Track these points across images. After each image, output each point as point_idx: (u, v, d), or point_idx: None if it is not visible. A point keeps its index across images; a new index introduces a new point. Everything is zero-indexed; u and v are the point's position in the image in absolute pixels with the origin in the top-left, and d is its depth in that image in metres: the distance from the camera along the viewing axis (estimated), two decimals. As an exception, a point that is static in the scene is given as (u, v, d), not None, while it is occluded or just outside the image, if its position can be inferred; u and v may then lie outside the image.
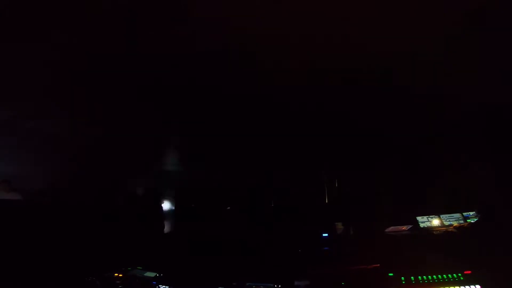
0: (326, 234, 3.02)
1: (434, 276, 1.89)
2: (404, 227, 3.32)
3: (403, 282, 1.88)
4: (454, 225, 3.39)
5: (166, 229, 2.93)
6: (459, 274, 1.89)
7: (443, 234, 3.16)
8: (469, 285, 1.86)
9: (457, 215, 3.50)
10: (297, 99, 3.17)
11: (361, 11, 1.91)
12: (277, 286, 1.93)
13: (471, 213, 3.45)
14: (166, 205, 4.00)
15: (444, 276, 1.89)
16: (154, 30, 2.10)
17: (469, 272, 1.90)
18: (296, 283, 1.94)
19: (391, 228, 3.24)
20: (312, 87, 2.92)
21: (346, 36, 2.14)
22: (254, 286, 1.94)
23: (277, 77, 2.69)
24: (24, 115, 3.42)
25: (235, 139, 4.57)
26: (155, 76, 2.66)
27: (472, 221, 3.37)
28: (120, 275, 2.18)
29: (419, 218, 3.44)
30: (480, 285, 1.85)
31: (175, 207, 3.77)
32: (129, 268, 2.27)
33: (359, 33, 2.12)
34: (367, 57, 2.42)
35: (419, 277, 1.89)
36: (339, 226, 3.23)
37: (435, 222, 3.45)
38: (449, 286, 1.86)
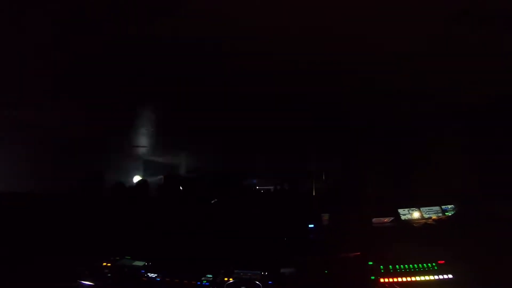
0: (312, 225, 3.11)
1: (411, 266, 2.01)
2: (386, 219, 3.46)
3: (382, 271, 1.99)
4: (433, 217, 3.56)
5: (154, 218, 2.95)
6: (434, 264, 2.02)
7: (422, 226, 3.32)
8: (442, 274, 1.99)
9: (436, 208, 3.67)
10: (286, 92, 3.20)
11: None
12: (264, 273, 2.00)
13: (449, 206, 3.63)
14: (154, 194, 4.02)
15: (420, 265, 2.01)
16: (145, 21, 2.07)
17: (442, 262, 2.03)
18: (282, 270, 2.02)
19: (374, 220, 3.37)
20: (300, 80, 2.96)
21: (337, 29, 2.17)
22: (241, 273, 2.01)
23: (265, 69, 2.70)
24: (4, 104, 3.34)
25: (225, 130, 4.59)
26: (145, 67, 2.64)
27: (449, 214, 3.55)
28: (109, 264, 2.21)
29: (400, 211, 3.59)
30: (452, 274, 1.98)
31: (162, 196, 3.78)
32: (118, 258, 2.30)
33: (350, 28, 2.15)
34: (356, 52, 2.46)
35: (397, 266, 2.01)
36: (325, 217, 3.33)
37: (416, 214, 3.61)
38: (424, 275, 1.98)
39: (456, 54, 2.39)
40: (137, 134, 5.01)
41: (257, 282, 1.89)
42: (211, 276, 2.03)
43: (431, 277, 1.97)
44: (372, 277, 1.96)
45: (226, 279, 1.96)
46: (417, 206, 3.62)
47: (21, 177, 3.70)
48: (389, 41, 2.24)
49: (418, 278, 1.96)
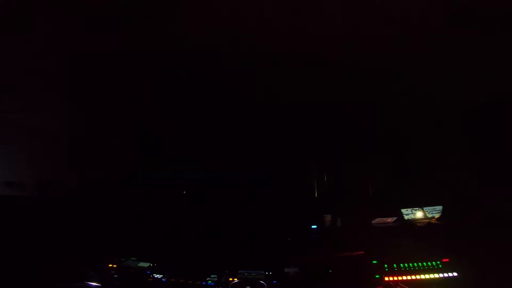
0: (315, 226, 3.11)
1: (415, 264, 2.02)
2: (389, 219, 3.45)
3: (386, 269, 1.99)
4: (436, 217, 3.54)
5: (159, 220, 2.97)
6: (438, 262, 2.02)
7: (425, 225, 3.31)
8: (447, 272, 1.99)
9: (440, 207, 3.65)
10: (287, 93, 3.21)
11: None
12: (268, 273, 2.01)
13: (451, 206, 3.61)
14: (159, 196, 4.03)
15: (424, 264, 2.02)
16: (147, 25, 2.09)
17: (447, 260, 2.03)
18: (285, 270, 2.04)
19: (377, 220, 3.36)
20: (304, 82, 2.97)
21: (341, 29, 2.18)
22: (246, 273, 2.02)
23: (267, 70, 2.71)
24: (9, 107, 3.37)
25: (225, 131, 4.61)
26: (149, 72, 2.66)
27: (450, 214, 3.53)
28: (114, 265, 2.22)
29: (403, 211, 3.57)
30: (457, 272, 1.98)
31: (168, 198, 3.81)
32: (123, 259, 2.31)
33: (347, 25, 2.16)
34: (357, 52, 2.47)
35: (401, 264, 2.01)
36: (328, 218, 3.33)
37: (419, 214, 3.59)
38: (429, 273, 1.99)
39: (455, 53, 2.40)
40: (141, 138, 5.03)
41: (262, 282, 1.90)
42: (216, 276, 2.05)
43: (436, 275, 1.97)
44: (377, 276, 1.97)
45: (230, 279, 1.97)
46: (420, 205, 3.61)
47: (25, 177, 3.73)
48: (387, 39, 2.26)
49: (422, 276, 1.96)
